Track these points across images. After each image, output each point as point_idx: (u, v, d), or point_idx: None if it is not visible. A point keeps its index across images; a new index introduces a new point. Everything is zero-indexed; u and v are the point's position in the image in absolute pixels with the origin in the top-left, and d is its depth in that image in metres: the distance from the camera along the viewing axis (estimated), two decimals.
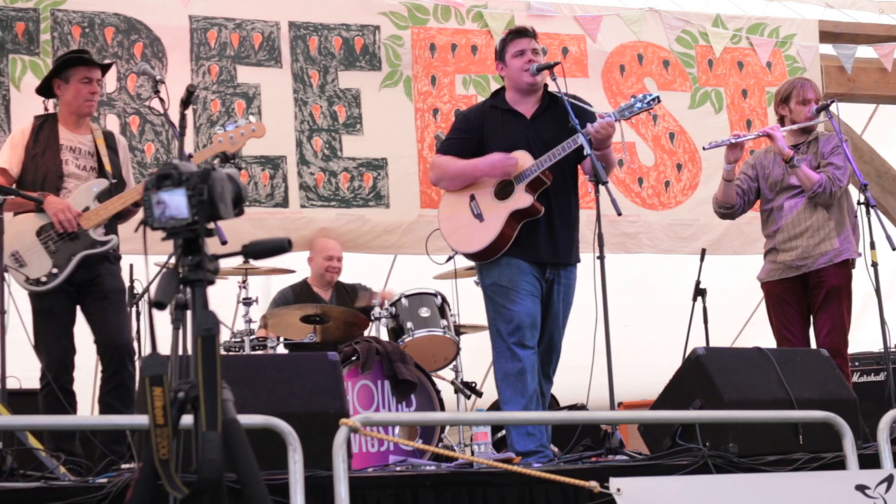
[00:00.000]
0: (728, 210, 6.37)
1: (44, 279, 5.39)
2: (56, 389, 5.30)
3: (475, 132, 5.59)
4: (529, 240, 5.40)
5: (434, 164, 5.72)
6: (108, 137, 5.79)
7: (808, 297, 6.19)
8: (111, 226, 5.60)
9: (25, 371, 5.65)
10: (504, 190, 5.44)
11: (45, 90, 5.79)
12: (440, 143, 5.87)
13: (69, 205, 5.41)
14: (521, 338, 5.32)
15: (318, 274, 7.38)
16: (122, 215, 5.63)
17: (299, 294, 7.31)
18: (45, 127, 5.64)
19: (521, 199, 5.40)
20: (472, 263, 6.82)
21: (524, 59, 5.55)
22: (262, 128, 5.85)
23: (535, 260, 5.40)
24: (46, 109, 5.97)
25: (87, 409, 6.87)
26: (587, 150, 5.24)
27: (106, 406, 5.40)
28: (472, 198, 5.52)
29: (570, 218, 5.56)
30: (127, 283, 5.93)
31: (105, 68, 5.86)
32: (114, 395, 5.36)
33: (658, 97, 5.52)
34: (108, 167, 5.63)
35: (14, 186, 5.54)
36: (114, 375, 5.41)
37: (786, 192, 6.21)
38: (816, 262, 6.09)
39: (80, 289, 5.51)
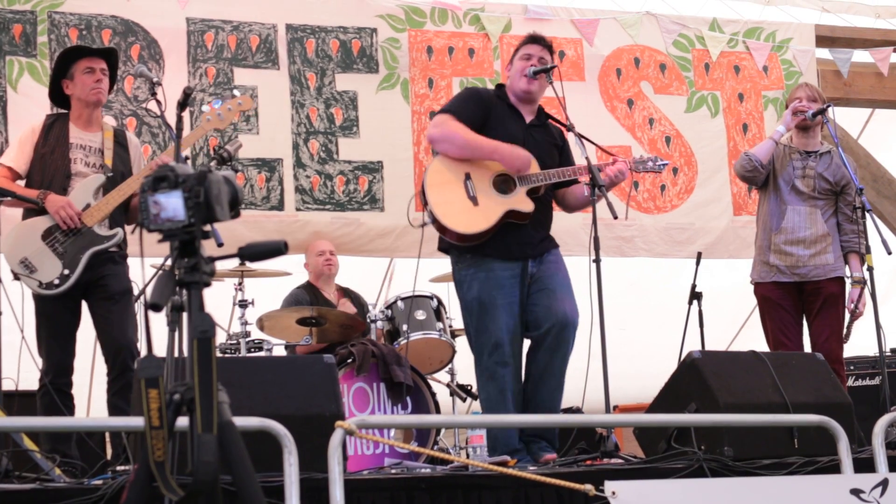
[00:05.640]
0: (761, 171, 6.28)
1: (56, 282, 5.38)
2: (53, 392, 5.30)
3: (484, 110, 5.49)
4: (516, 237, 5.37)
5: (442, 123, 5.42)
6: (118, 134, 5.75)
7: (804, 302, 6.23)
8: (116, 220, 5.58)
9: (21, 373, 5.64)
10: (504, 184, 5.41)
11: (59, 97, 5.73)
12: (447, 104, 5.63)
13: (70, 201, 5.39)
14: (502, 355, 5.31)
15: (318, 272, 7.37)
16: (131, 212, 5.60)
17: (310, 295, 7.31)
18: (55, 125, 5.60)
19: (524, 202, 5.36)
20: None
21: (527, 64, 5.55)
22: (247, 100, 5.85)
23: (520, 256, 5.38)
24: (53, 109, 5.91)
25: (82, 412, 6.87)
26: (584, 153, 5.33)
27: (114, 408, 5.39)
28: (468, 177, 5.38)
29: (548, 219, 5.59)
30: None
31: (107, 55, 5.76)
32: (121, 395, 5.33)
33: (667, 162, 5.78)
34: (108, 161, 5.59)
35: (23, 184, 5.53)
36: (119, 377, 5.40)
37: (794, 195, 6.24)
38: (810, 273, 6.15)
39: (86, 289, 5.50)
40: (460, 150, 5.39)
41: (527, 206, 5.36)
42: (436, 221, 5.40)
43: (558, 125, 5.70)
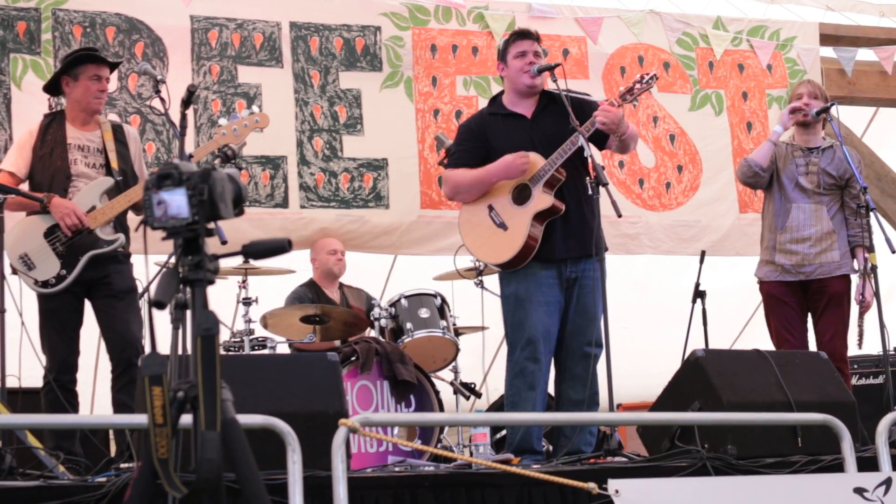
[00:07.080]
0: (762, 176, 6.24)
1: (52, 281, 5.39)
2: (57, 389, 5.31)
3: (480, 141, 5.59)
4: (546, 239, 5.42)
5: (446, 180, 5.71)
6: (117, 131, 5.75)
7: (809, 301, 6.21)
8: (119, 224, 5.59)
9: (25, 370, 5.65)
10: (522, 194, 5.47)
11: (53, 88, 5.77)
12: (448, 157, 5.82)
13: (75, 207, 5.39)
14: (534, 351, 5.36)
15: (325, 270, 7.37)
16: (137, 207, 5.56)
17: (312, 293, 7.31)
18: (52, 126, 5.61)
19: (542, 200, 5.41)
20: (470, 265, 6.88)
21: (525, 61, 5.57)
22: (265, 118, 5.80)
23: (551, 258, 5.41)
24: (52, 108, 5.92)
25: (86, 409, 6.87)
26: (587, 152, 5.28)
27: (119, 404, 5.41)
28: (491, 208, 5.53)
29: (585, 210, 5.49)
30: None
31: (113, 66, 5.84)
32: (125, 392, 5.36)
33: (656, 75, 5.63)
34: (114, 164, 5.60)
35: (25, 188, 5.54)
36: (123, 373, 5.42)
37: (798, 192, 6.21)
38: (816, 272, 6.13)
39: (89, 288, 5.51)
40: (468, 193, 5.62)
41: (545, 202, 5.42)
42: (487, 265, 5.53)
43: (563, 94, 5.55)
